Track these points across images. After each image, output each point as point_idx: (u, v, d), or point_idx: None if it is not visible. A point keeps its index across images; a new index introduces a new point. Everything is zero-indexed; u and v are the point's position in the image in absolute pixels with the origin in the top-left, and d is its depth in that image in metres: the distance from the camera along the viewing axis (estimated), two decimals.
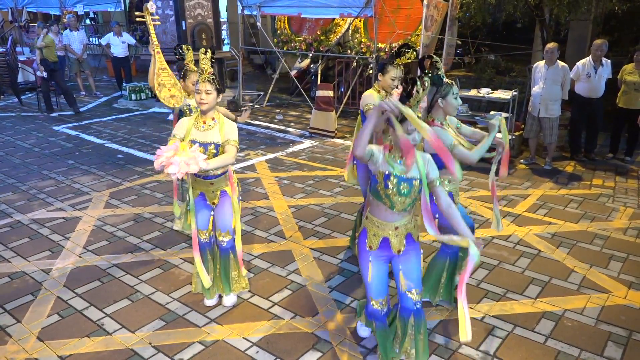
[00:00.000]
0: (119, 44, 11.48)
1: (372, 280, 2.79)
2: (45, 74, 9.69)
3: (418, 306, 2.77)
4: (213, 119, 3.19)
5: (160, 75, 4.12)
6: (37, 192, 5.71)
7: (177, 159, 2.69)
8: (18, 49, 12.65)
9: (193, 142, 3.13)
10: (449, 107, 3.11)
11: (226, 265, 3.46)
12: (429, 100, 3.04)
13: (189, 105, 4.27)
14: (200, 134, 3.16)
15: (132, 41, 11.91)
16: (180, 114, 4.33)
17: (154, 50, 4.13)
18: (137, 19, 4.30)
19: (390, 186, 2.58)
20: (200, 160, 2.76)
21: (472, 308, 3.50)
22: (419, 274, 2.79)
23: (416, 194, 2.65)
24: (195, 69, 4.07)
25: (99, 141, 7.98)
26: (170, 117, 9.71)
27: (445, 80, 3.06)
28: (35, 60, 9.92)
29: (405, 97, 2.51)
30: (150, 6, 4.24)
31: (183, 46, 4.13)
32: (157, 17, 4.31)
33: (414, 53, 3.69)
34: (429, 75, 2.54)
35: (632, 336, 3.22)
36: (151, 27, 4.20)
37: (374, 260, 2.77)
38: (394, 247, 2.74)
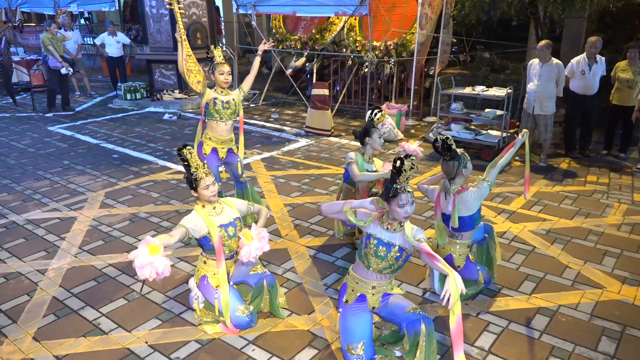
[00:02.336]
0: (113, 44, 11.46)
1: (345, 325, 2.89)
2: (70, 70, 9.84)
3: (423, 314, 2.77)
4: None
5: (188, 61, 4.36)
6: (32, 193, 5.69)
7: (251, 247, 3.12)
8: (12, 49, 12.60)
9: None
10: (467, 173, 3.43)
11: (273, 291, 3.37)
12: (454, 172, 3.34)
13: (216, 99, 4.39)
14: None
15: (127, 41, 11.88)
16: (207, 107, 4.43)
17: (180, 37, 4.34)
18: (167, 7, 4.62)
19: (370, 246, 2.80)
20: (265, 236, 3.18)
21: (467, 304, 3.52)
22: (406, 304, 2.86)
23: (394, 261, 2.80)
24: (223, 61, 4.38)
25: (94, 141, 7.96)
26: (167, 116, 9.73)
27: (460, 152, 3.36)
28: (51, 58, 9.89)
29: (395, 175, 2.69)
30: None
31: (211, 47, 4.44)
32: (182, 5, 4.60)
33: (384, 112, 4.26)
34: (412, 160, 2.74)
35: (625, 331, 3.24)
36: (178, 15, 4.43)
37: (347, 310, 2.94)
38: (369, 305, 2.93)
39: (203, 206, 3.21)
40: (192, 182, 3.15)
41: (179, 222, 4.12)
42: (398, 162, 2.66)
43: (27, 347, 3.12)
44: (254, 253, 3.12)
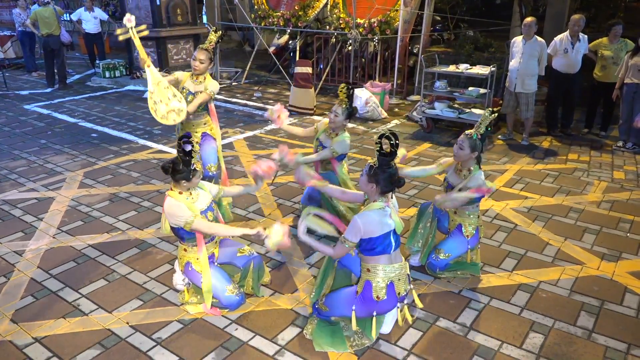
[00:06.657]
0: (90, 20, 11.13)
1: None
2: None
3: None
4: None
5: (154, 92, 3.81)
6: (8, 173, 5.55)
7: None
8: None
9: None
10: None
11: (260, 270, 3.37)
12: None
13: (184, 88, 4.08)
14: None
15: (105, 17, 11.54)
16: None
17: (147, 65, 3.79)
18: (120, 38, 3.92)
19: None
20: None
21: (449, 282, 3.54)
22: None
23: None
24: (206, 46, 4.02)
25: (72, 120, 7.77)
26: (146, 95, 9.51)
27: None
28: (64, 32, 10.06)
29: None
30: (127, 20, 3.81)
31: (211, 30, 4.11)
32: (143, 27, 3.91)
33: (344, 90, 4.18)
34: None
35: (604, 306, 3.30)
36: (138, 43, 3.82)
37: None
38: None
39: (180, 193, 3.08)
40: (188, 173, 2.99)
41: (159, 202, 4.05)
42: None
43: (5, 329, 3.06)
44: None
